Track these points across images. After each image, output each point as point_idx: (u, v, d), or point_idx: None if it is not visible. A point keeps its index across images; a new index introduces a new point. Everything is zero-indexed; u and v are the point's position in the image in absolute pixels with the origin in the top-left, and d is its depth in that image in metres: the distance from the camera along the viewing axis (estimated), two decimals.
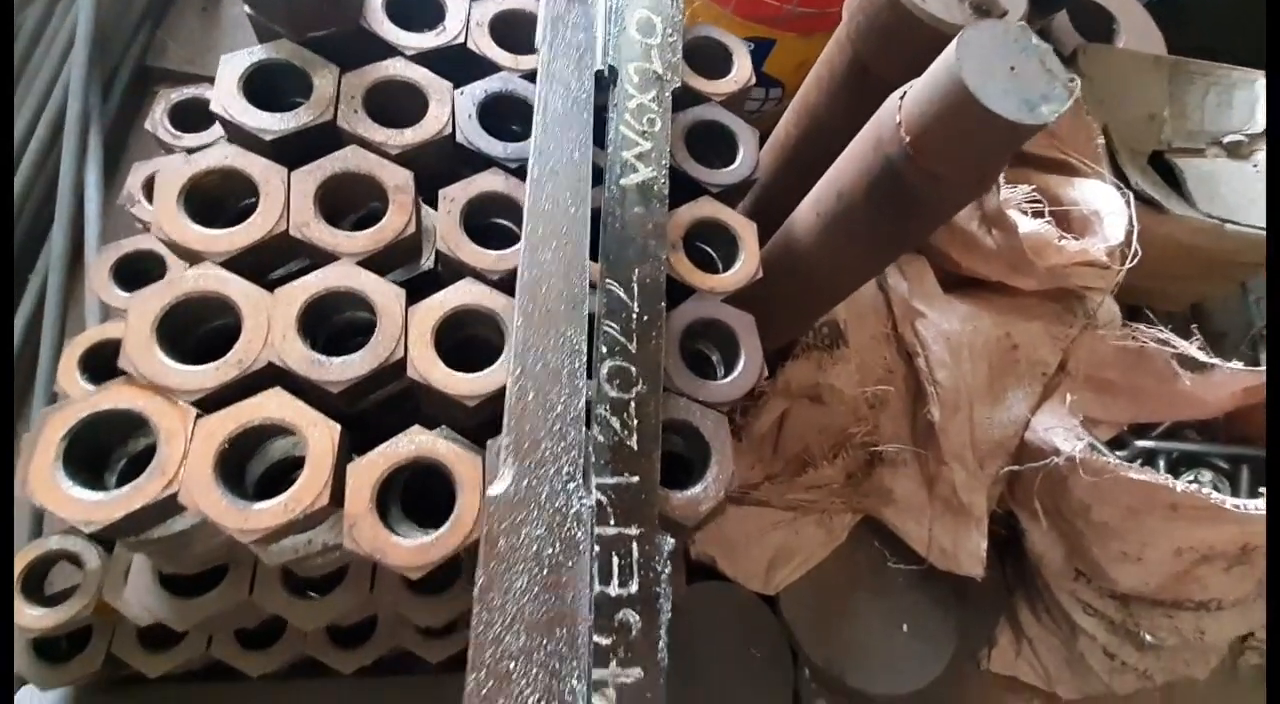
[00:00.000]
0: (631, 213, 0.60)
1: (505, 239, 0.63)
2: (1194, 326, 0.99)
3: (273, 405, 0.52)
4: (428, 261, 0.65)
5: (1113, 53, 1.20)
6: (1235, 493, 1.04)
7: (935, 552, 1.03)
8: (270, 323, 0.53)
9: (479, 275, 0.59)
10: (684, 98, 0.70)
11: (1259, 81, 1.19)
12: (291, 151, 0.59)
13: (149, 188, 0.75)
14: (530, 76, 0.68)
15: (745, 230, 0.66)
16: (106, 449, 0.54)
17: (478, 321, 0.58)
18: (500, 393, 0.54)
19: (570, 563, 0.47)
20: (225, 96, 0.59)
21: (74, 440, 0.50)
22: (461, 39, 0.68)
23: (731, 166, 0.69)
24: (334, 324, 0.58)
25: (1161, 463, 1.06)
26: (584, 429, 0.52)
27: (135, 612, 0.68)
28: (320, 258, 0.57)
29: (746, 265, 0.65)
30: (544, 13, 0.67)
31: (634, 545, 0.49)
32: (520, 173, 0.63)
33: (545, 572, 0.47)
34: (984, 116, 0.48)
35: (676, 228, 0.64)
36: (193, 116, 0.75)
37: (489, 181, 0.62)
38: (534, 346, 0.53)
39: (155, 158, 0.78)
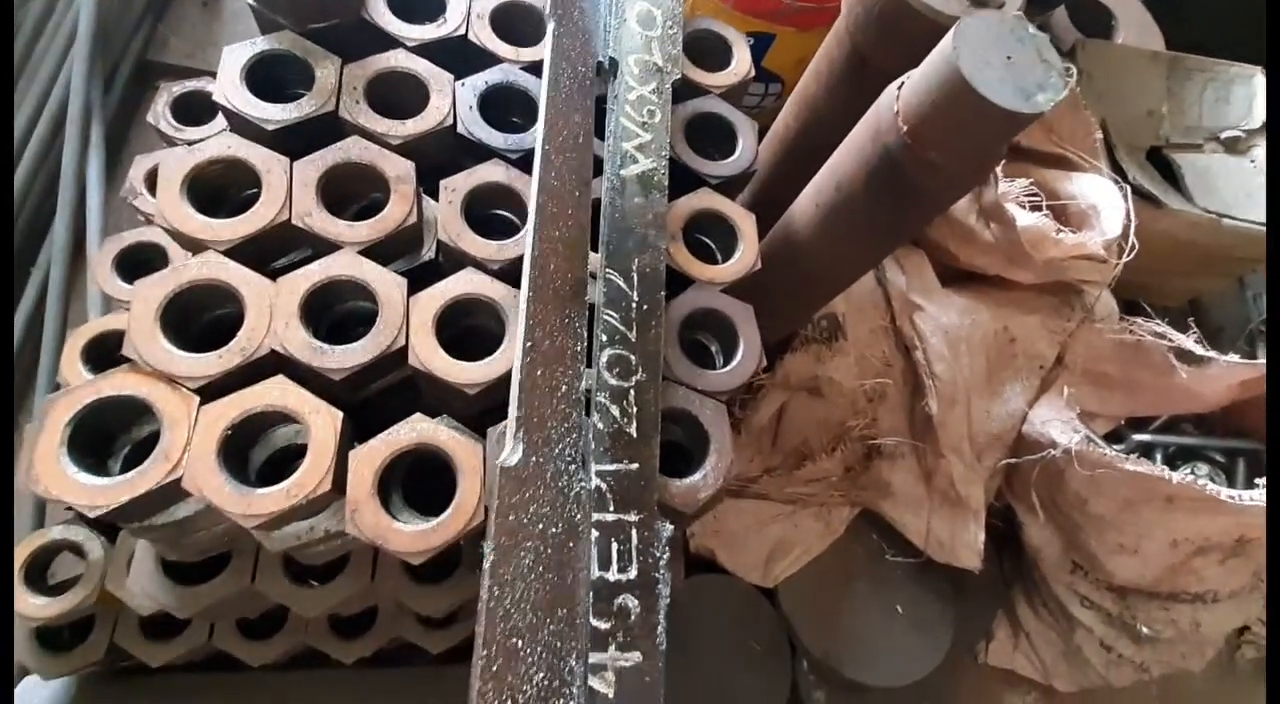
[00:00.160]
0: (631, 203, 0.60)
1: (506, 230, 0.63)
2: (1191, 321, 1.00)
3: (275, 393, 0.52)
4: (429, 252, 0.65)
5: (1111, 48, 1.21)
6: (1232, 486, 1.04)
7: (933, 544, 1.04)
8: (273, 311, 0.54)
9: (480, 265, 0.60)
10: (684, 90, 0.70)
11: (1257, 77, 1.19)
12: (294, 142, 0.59)
13: (150, 180, 0.76)
14: (530, 68, 0.68)
15: (744, 221, 0.66)
16: (111, 435, 0.55)
17: (478, 311, 0.59)
18: (500, 381, 0.54)
19: (571, 544, 0.48)
20: (228, 87, 0.60)
21: (79, 426, 0.50)
22: (462, 31, 0.68)
23: (731, 158, 0.69)
24: (336, 313, 0.59)
25: (1158, 456, 1.07)
26: (583, 413, 0.52)
27: (138, 600, 0.68)
28: (322, 247, 0.58)
29: (745, 256, 0.65)
30: None
31: (633, 532, 0.50)
32: (521, 164, 0.64)
33: (549, 550, 0.47)
34: (981, 106, 0.49)
35: (676, 219, 0.65)
36: (194, 110, 0.75)
37: (490, 172, 0.63)
38: (543, 323, 0.53)
39: (157, 151, 0.79)
